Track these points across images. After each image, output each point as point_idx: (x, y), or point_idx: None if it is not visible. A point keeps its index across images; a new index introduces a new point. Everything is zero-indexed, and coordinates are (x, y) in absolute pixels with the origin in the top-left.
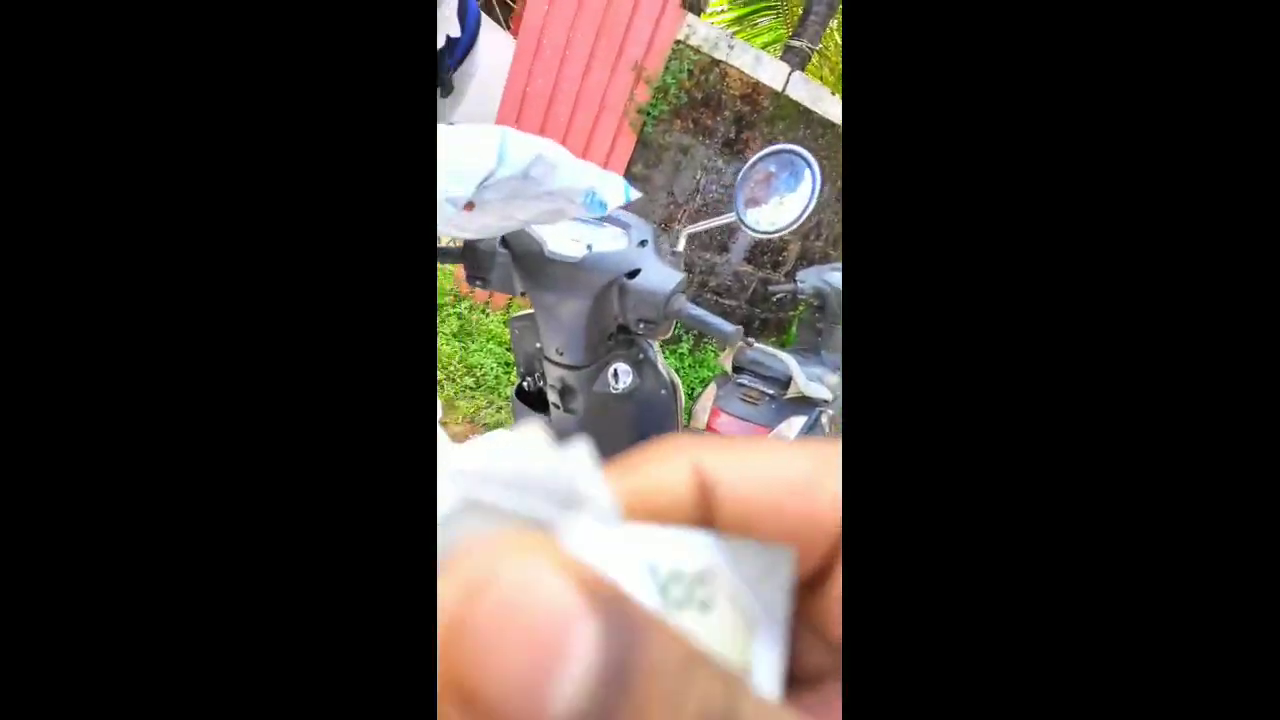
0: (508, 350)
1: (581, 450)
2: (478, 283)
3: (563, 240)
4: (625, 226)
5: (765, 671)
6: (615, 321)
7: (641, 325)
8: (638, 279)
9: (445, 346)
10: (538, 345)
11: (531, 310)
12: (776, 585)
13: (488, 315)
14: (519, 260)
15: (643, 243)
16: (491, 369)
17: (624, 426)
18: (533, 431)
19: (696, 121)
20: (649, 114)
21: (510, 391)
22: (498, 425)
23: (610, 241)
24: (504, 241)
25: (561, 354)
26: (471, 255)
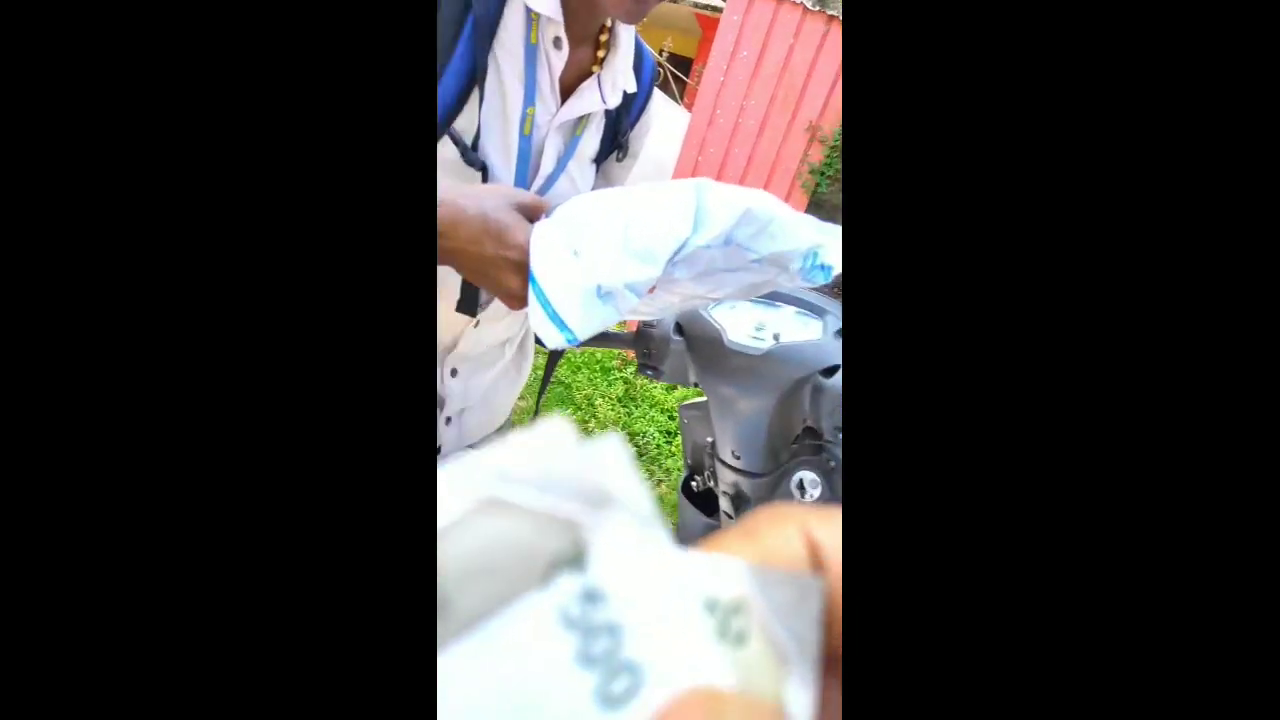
0: (671, 419)
1: (612, 446)
2: (649, 372)
3: (744, 327)
4: (820, 313)
5: (799, 709)
6: (803, 424)
7: (839, 433)
8: (835, 378)
9: (610, 412)
10: (710, 440)
11: (703, 399)
12: (807, 617)
13: (654, 383)
14: (694, 348)
15: (840, 332)
16: (654, 438)
17: None
18: (558, 427)
19: None
20: (823, 174)
21: (679, 484)
22: (659, 498)
23: (801, 330)
24: (678, 328)
25: (738, 457)
26: (644, 342)
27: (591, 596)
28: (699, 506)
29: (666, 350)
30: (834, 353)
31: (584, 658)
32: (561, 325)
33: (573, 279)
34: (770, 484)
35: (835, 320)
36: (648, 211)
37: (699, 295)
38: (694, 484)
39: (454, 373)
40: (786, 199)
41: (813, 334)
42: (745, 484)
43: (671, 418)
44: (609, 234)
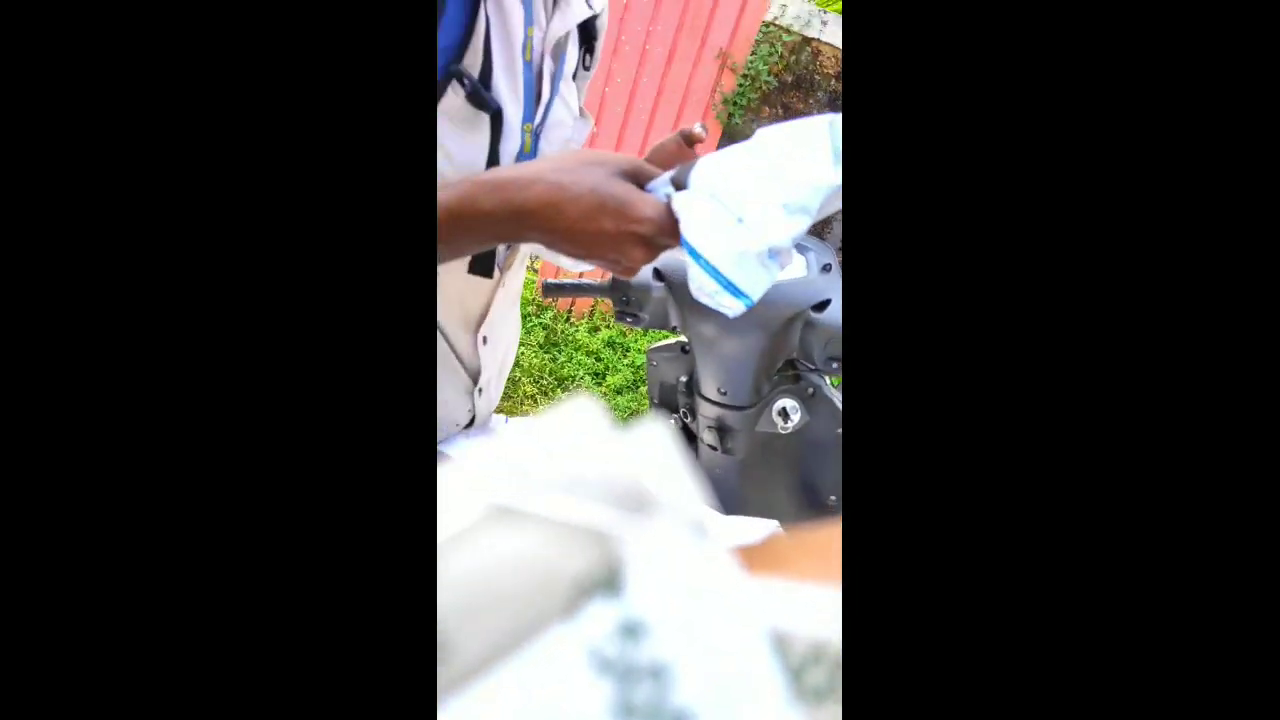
0: (596, 360)
1: (656, 433)
2: (628, 319)
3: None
4: (804, 250)
5: None
6: (788, 357)
7: (834, 364)
8: (828, 312)
9: (534, 358)
10: (682, 379)
11: (672, 340)
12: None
13: (573, 325)
14: (676, 292)
15: (826, 267)
16: (584, 380)
17: (787, 470)
18: (587, 408)
19: (787, 106)
20: (736, 104)
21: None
22: None
23: (786, 269)
24: (657, 273)
25: (724, 393)
26: (621, 290)
27: (630, 630)
28: None
29: (648, 297)
30: (822, 288)
31: (623, 709)
32: (738, 292)
33: (745, 246)
34: (754, 415)
35: (817, 256)
36: (793, 164)
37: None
38: (671, 421)
39: (484, 340)
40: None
41: (798, 271)
42: (730, 417)
43: (599, 359)
44: (768, 195)
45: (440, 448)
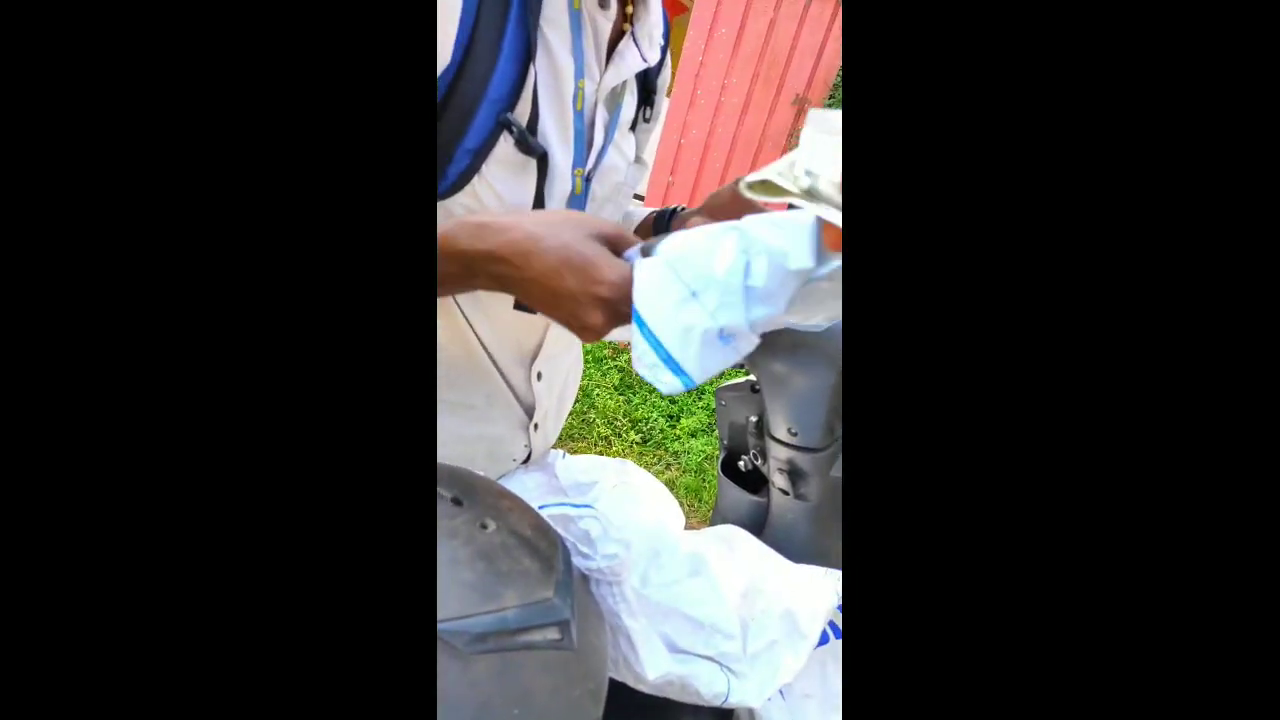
0: (670, 403)
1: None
2: None
3: None
4: None
5: None
6: None
7: None
8: None
9: (609, 400)
10: (752, 419)
11: (741, 380)
12: None
13: None
14: None
15: None
16: (658, 422)
17: None
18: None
19: None
20: None
21: (718, 465)
22: (667, 483)
23: None
24: None
25: (794, 433)
26: None
27: None
28: (742, 485)
29: None
30: None
31: None
32: (678, 370)
33: (692, 321)
34: (828, 458)
35: None
36: (767, 245)
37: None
38: (741, 464)
39: (539, 376)
40: None
41: None
42: (801, 459)
43: (673, 401)
44: (729, 273)
45: (500, 483)
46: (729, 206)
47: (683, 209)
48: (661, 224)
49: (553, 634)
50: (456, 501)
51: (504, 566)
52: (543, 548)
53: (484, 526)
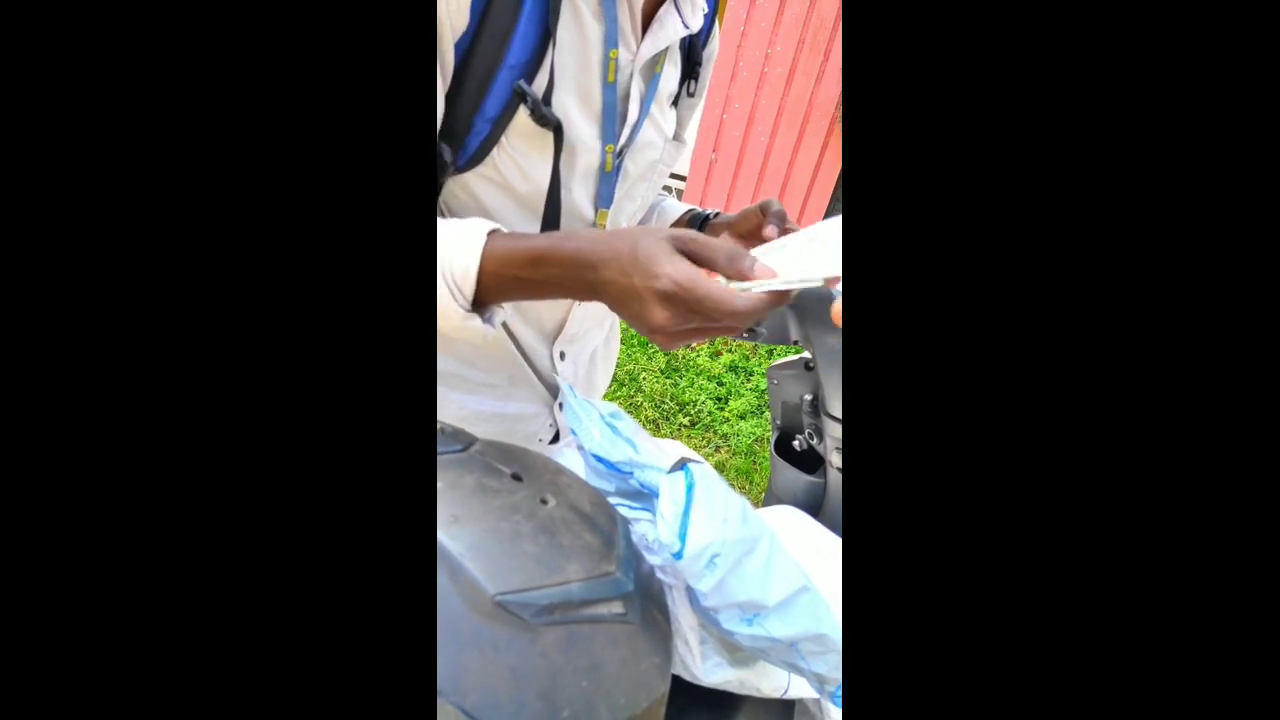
0: (718, 385)
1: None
2: (746, 335)
3: None
4: None
5: None
6: None
7: None
8: None
9: (656, 384)
10: (806, 398)
11: (795, 357)
12: None
13: (694, 350)
14: (797, 305)
15: None
16: (705, 405)
17: None
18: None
19: None
20: None
21: (771, 446)
22: (717, 466)
23: None
24: None
25: None
26: None
27: None
28: (797, 466)
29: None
30: None
31: None
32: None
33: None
34: None
35: None
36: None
37: None
38: (795, 443)
39: (562, 356)
40: (825, 141)
41: None
42: None
43: (720, 383)
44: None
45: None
46: (756, 233)
47: (716, 214)
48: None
49: (617, 608)
50: (516, 477)
51: (565, 540)
52: (602, 523)
53: (544, 501)
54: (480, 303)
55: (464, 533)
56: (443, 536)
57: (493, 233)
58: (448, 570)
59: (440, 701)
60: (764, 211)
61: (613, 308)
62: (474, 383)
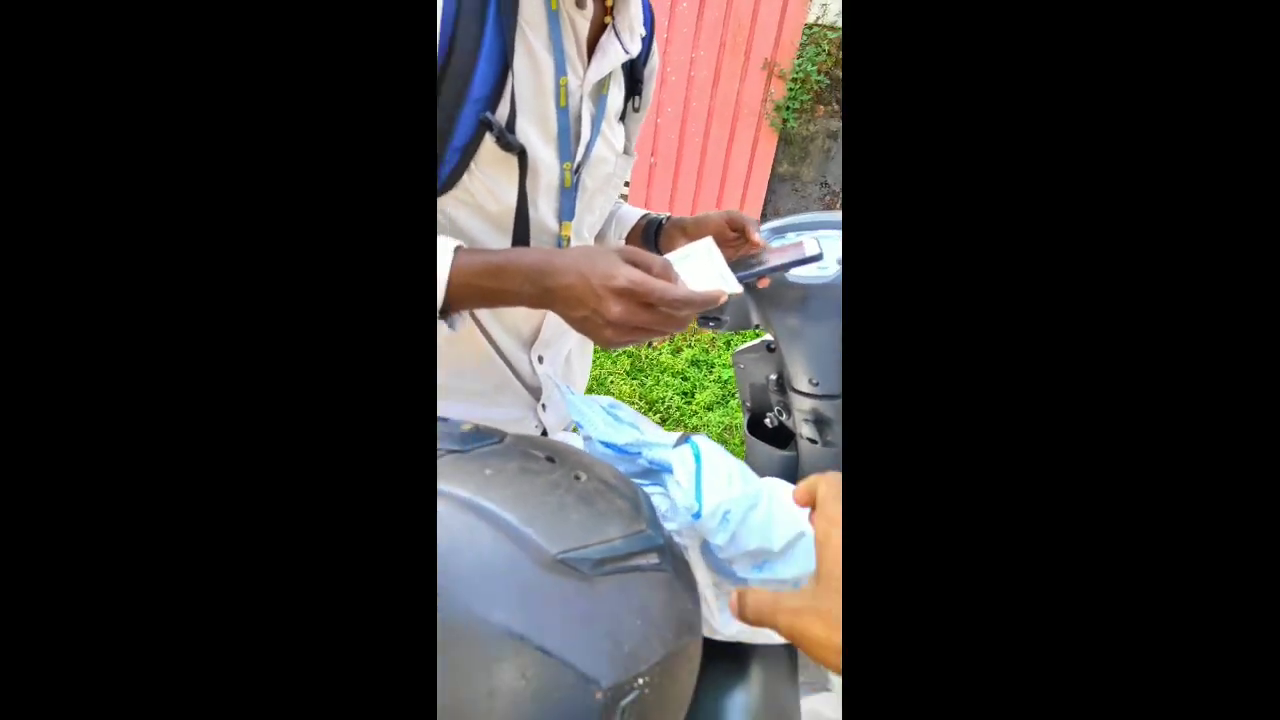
0: (683, 380)
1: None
2: (710, 324)
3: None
4: None
5: None
6: None
7: None
8: None
9: (623, 385)
10: (771, 378)
11: (756, 341)
12: None
13: (655, 349)
14: (754, 291)
15: None
16: (674, 401)
17: None
18: None
19: (840, 100)
20: (789, 109)
21: (744, 427)
22: None
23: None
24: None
25: (816, 383)
26: None
27: None
28: (769, 443)
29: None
30: None
31: None
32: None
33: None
34: None
35: None
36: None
37: None
38: (766, 421)
39: (540, 359)
40: (755, 137)
41: None
42: (825, 407)
43: (685, 379)
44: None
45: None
46: (733, 243)
47: (668, 217)
48: (650, 234)
49: (653, 558)
50: (549, 460)
51: (602, 507)
52: (627, 492)
53: (577, 478)
54: (444, 311)
55: (519, 507)
56: (502, 510)
57: (458, 249)
58: (512, 538)
59: (522, 644)
60: (733, 225)
61: (564, 311)
62: (464, 391)
